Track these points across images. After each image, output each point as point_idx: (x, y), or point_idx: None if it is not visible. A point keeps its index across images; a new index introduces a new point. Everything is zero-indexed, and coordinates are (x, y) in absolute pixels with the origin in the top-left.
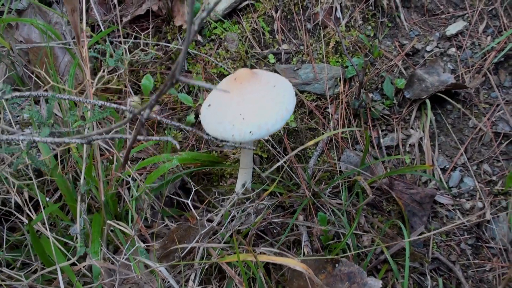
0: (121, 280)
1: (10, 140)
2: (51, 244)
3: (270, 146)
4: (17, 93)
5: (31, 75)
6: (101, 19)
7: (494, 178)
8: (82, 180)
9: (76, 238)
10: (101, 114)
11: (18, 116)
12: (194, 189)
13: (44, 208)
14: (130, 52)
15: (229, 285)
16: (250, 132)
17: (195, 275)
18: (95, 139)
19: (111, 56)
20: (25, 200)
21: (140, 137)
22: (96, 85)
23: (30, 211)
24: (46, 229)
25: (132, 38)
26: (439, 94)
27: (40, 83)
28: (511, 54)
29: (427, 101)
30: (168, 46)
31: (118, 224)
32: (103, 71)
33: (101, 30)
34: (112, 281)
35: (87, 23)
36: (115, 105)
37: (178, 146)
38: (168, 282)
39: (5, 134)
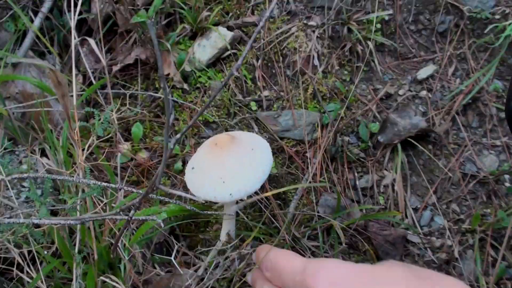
0: None
1: (12, 223)
2: None
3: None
4: (17, 175)
5: (26, 128)
6: (91, 68)
7: (462, 217)
8: (77, 248)
9: None
10: (93, 191)
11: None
12: (176, 247)
13: (41, 262)
14: (121, 102)
15: None
16: (230, 194)
17: None
18: (88, 220)
19: (100, 116)
20: (24, 256)
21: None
22: (87, 151)
23: (29, 265)
24: (43, 282)
25: (122, 90)
26: (409, 139)
27: (36, 135)
28: (479, 96)
29: (399, 145)
30: (156, 94)
31: (110, 278)
32: (92, 137)
33: (91, 82)
34: None
35: (79, 71)
36: (105, 184)
37: (162, 223)
38: None
39: (7, 215)
